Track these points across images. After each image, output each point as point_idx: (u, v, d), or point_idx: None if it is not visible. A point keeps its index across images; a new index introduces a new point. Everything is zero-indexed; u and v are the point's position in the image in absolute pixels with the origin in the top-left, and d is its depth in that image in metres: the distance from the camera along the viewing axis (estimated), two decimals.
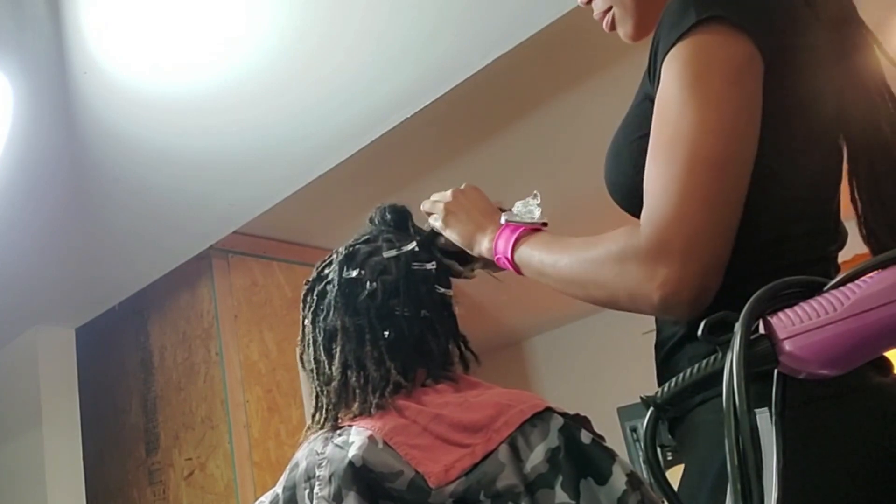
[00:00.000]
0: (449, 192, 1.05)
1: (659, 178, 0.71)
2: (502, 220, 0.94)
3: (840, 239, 0.83)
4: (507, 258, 0.91)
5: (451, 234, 1.03)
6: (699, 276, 0.68)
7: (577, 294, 0.80)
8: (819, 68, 0.80)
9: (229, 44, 1.94)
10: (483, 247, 0.96)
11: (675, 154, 0.71)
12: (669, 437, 0.84)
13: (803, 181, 0.79)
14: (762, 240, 0.76)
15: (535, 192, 0.97)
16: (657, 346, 0.83)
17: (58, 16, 2.06)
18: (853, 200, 0.84)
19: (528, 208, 0.95)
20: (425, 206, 1.09)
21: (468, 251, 1.01)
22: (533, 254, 0.87)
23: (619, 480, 0.87)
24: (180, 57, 2.00)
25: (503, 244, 0.92)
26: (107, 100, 2.10)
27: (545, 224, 0.92)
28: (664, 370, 0.83)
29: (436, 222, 1.06)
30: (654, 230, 0.69)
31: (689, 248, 0.67)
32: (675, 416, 0.81)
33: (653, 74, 0.78)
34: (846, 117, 0.82)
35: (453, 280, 1.11)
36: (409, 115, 2.07)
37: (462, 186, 1.06)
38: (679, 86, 0.73)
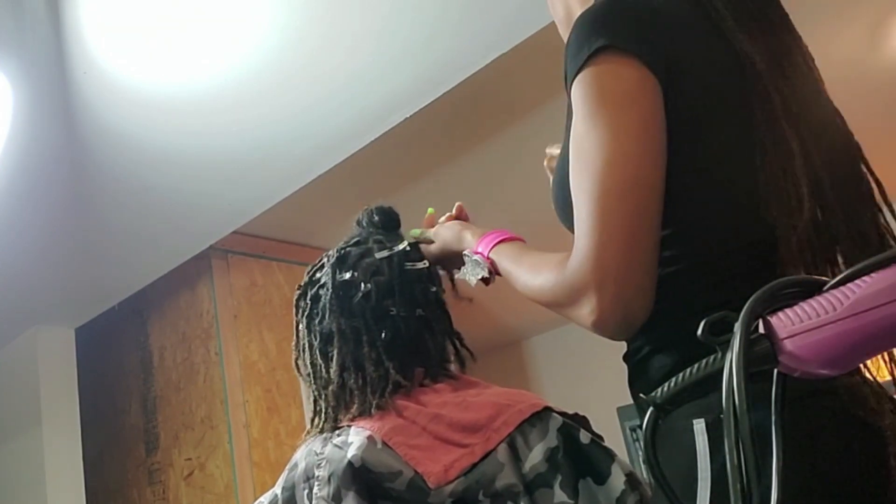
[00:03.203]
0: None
1: (576, 213, 0.76)
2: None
3: None
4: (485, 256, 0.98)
5: (438, 240, 1.08)
6: (621, 303, 0.73)
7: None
8: (726, 77, 0.80)
9: (229, 44, 1.94)
10: (467, 241, 1.02)
11: (583, 187, 0.75)
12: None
13: (740, 188, 0.79)
14: (707, 250, 0.77)
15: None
16: (626, 357, 0.84)
17: (58, 16, 2.06)
18: None
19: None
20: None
21: (453, 247, 1.06)
22: (502, 261, 0.94)
23: (617, 480, 0.87)
24: (180, 57, 2.00)
25: (483, 246, 0.99)
26: (107, 100, 2.10)
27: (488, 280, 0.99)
28: (635, 379, 0.83)
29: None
30: (572, 266, 0.75)
31: (604, 280, 0.72)
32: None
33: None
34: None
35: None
36: (408, 115, 2.07)
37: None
38: (578, 119, 0.78)
